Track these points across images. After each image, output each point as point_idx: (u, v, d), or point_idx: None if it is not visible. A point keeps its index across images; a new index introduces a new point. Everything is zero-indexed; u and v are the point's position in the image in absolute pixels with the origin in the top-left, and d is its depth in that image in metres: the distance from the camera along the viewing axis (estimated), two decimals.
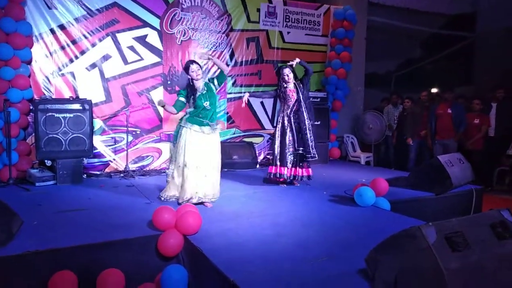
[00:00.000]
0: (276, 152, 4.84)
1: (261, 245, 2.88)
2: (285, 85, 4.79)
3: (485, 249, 2.07)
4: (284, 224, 3.41)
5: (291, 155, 4.78)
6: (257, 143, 6.79)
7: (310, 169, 4.87)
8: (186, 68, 4.04)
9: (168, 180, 4.13)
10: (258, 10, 6.55)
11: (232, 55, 6.41)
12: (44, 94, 5.07)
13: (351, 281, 2.33)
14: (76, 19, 5.21)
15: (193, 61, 4.06)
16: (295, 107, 4.78)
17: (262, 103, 6.83)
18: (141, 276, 2.86)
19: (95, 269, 2.69)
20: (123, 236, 2.96)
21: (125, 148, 5.51)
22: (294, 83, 4.81)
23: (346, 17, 7.06)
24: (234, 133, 6.62)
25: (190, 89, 4.06)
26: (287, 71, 4.75)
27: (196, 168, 3.88)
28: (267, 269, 2.46)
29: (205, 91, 4.04)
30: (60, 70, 5.21)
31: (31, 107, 4.95)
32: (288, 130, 4.76)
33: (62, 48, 5.19)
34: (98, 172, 5.44)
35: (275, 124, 4.92)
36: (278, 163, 4.80)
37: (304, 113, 4.76)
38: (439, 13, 9.50)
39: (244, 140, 6.65)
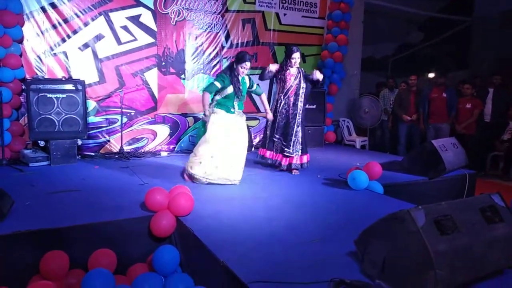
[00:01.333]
0: (265, 134, 4.86)
1: (253, 227, 2.90)
2: (288, 68, 4.60)
3: (474, 232, 2.09)
4: (276, 206, 3.43)
5: (277, 140, 4.72)
6: (253, 126, 6.76)
7: (304, 156, 4.71)
8: (241, 61, 4.10)
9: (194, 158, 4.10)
10: None
11: (227, 37, 6.32)
12: (36, 74, 5.00)
13: (341, 262, 2.35)
14: None
15: (249, 57, 4.14)
16: (290, 92, 4.62)
17: (258, 85, 6.75)
18: (133, 256, 2.89)
19: (87, 249, 2.70)
20: (116, 217, 2.97)
21: (120, 130, 5.48)
22: (298, 69, 4.66)
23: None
24: None
25: (234, 79, 4.13)
26: (298, 55, 4.56)
27: (222, 149, 4.01)
28: (258, 251, 2.48)
29: (240, 85, 4.18)
30: (52, 49, 5.12)
31: (23, 87, 4.88)
32: (278, 114, 4.68)
33: (54, 27, 5.09)
34: (92, 153, 5.42)
35: (270, 107, 4.86)
36: (266, 146, 4.80)
37: (299, 106, 4.62)
38: None
39: None
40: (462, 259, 1.99)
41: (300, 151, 4.67)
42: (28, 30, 4.94)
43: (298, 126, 4.64)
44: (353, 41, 7.40)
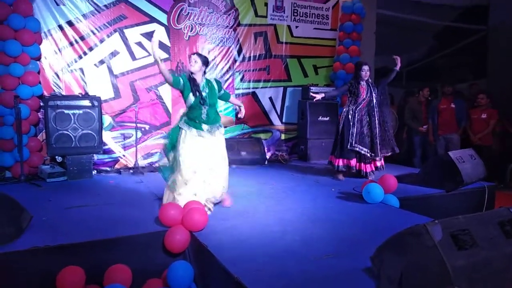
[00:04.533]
0: (339, 144, 4.95)
1: (266, 242, 2.88)
2: (360, 81, 4.87)
3: (493, 247, 2.03)
4: (290, 220, 3.40)
5: (352, 150, 4.87)
6: (266, 139, 6.77)
7: (378, 162, 4.98)
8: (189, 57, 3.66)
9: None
10: (266, 4, 6.52)
11: (240, 50, 6.39)
12: (54, 91, 5.13)
13: (357, 279, 2.31)
14: (84, 15, 5.25)
15: (196, 53, 3.69)
16: (362, 105, 4.88)
17: (270, 98, 6.81)
18: (148, 272, 2.88)
19: (102, 265, 2.71)
20: (130, 232, 2.99)
21: (134, 144, 5.55)
22: (367, 82, 4.92)
23: (354, 11, 6.96)
24: (242, 129, 6.61)
25: (191, 82, 3.60)
26: (367, 68, 4.87)
27: (195, 173, 3.57)
28: (272, 266, 2.45)
29: (206, 92, 3.63)
30: (69, 66, 5.26)
31: (41, 104, 5.01)
32: (351, 125, 4.85)
33: (71, 44, 5.24)
34: (108, 168, 5.50)
35: (341, 117, 5.01)
36: (339, 156, 4.92)
37: (376, 116, 4.90)
38: (451, 6, 9.32)
39: (253, 136, 6.64)
40: (481, 275, 1.94)
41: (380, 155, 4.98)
42: (46, 47, 5.08)
43: (380, 132, 4.94)
44: (365, 51, 7.38)
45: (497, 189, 5.02)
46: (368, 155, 4.87)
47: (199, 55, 3.65)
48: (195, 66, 3.56)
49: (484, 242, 2.03)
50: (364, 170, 4.91)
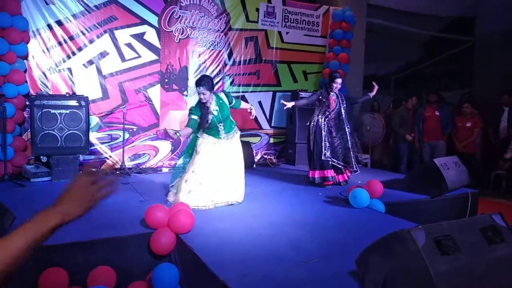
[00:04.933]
0: (315, 157, 4.91)
1: (253, 245, 2.88)
2: (330, 92, 4.95)
3: (475, 253, 2.07)
4: (277, 224, 3.41)
5: (329, 158, 4.87)
6: (254, 143, 6.79)
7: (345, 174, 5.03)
8: (196, 86, 3.81)
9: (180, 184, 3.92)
10: (257, 9, 6.55)
11: (230, 54, 6.41)
12: (41, 90, 5.07)
13: (342, 282, 2.33)
14: (74, 15, 5.21)
15: (200, 82, 3.75)
16: (331, 116, 4.95)
17: (260, 102, 6.83)
18: (132, 274, 2.86)
19: (86, 266, 2.68)
20: (115, 234, 2.96)
21: (122, 146, 5.51)
22: (337, 94, 5.01)
23: (345, 18, 7.05)
24: None
25: (203, 108, 3.84)
26: (340, 81, 4.94)
27: (210, 173, 3.84)
28: (258, 270, 2.46)
29: (216, 111, 3.86)
30: (57, 66, 5.20)
31: (27, 103, 4.94)
32: (322, 135, 4.88)
33: (60, 44, 5.18)
34: (94, 169, 5.42)
35: (311, 126, 5.00)
36: (320, 167, 4.89)
37: (346, 128, 5.00)
38: (438, 16, 9.51)
39: (241, 140, 6.61)
40: (463, 280, 1.97)
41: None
42: (34, 47, 5.02)
43: (348, 145, 5.03)
44: (354, 59, 7.48)
45: (480, 196, 5.12)
46: (341, 166, 4.94)
47: (203, 84, 3.72)
48: (205, 98, 3.77)
49: (466, 248, 2.07)
50: (338, 180, 4.97)
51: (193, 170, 3.85)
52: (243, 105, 4.39)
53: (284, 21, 6.85)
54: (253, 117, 4.39)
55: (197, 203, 3.73)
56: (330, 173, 4.89)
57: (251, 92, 6.70)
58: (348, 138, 4.99)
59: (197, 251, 2.68)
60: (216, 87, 6.25)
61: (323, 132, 4.87)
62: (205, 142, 3.92)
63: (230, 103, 4.03)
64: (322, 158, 4.83)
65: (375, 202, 4.04)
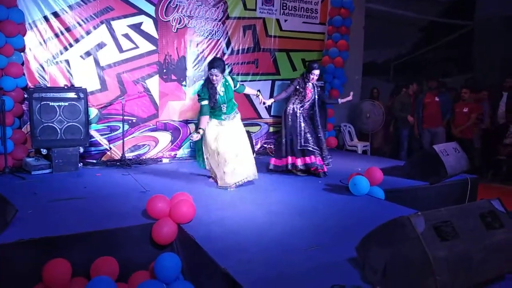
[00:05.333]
0: (284, 142, 4.92)
1: (254, 234, 2.91)
2: (307, 83, 4.93)
3: (474, 238, 2.09)
4: (277, 212, 3.43)
5: (300, 145, 4.86)
6: (254, 132, 6.79)
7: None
8: (208, 68, 4.10)
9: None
10: None
11: (228, 43, 6.36)
12: (39, 83, 5.05)
13: (342, 269, 2.35)
14: (70, 6, 5.15)
15: (214, 64, 4.02)
16: (306, 106, 4.96)
17: (259, 91, 6.77)
18: (135, 264, 2.89)
19: (89, 257, 2.71)
20: (118, 225, 2.98)
21: (121, 137, 5.51)
22: (313, 85, 5.00)
23: (343, 5, 6.99)
24: None
25: (210, 89, 4.10)
26: (318, 72, 4.91)
27: (218, 155, 4.17)
28: (259, 258, 2.48)
29: (223, 93, 4.16)
30: (54, 58, 5.17)
31: (25, 96, 4.93)
32: (298, 121, 4.89)
33: (56, 35, 5.13)
34: (94, 161, 5.45)
35: (285, 114, 5.01)
36: (289, 154, 4.89)
37: (318, 119, 5.03)
38: (437, 1, 9.42)
39: None
40: (462, 265, 1.99)
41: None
42: (31, 39, 4.98)
43: (321, 135, 5.04)
44: (354, 46, 7.43)
45: (479, 181, 5.14)
46: (316, 151, 4.85)
47: (217, 67, 4.00)
48: (217, 79, 4.06)
49: (465, 233, 2.09)
50: (316, 163, 4.84)
51: (206, 157, 4.34)
52: (248, 90, 4.66)
53: (282, 9, 6.79)
54: (262, 103, 4.74)
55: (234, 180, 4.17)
56: (299, 161, 4.87)
57: (250, 81, 6.66)
58: (320, 129, 5.03)
59: (198, 240, 2.71)
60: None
61: (299, 120, 4.90)
62: (209, 125, 4.20)
63: (234, 87, 4.31)
64: (298, 147, 4.85)
65: (375, 189, 4.07)
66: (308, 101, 4.97)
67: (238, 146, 4.23)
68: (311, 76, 4.88)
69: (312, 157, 4.83)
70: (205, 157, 4.41)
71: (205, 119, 4.16)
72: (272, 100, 5.09)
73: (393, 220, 2.13)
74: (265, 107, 6.53)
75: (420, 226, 1.99)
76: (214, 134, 4.22)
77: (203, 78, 6.12)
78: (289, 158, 4.91)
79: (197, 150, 4.60)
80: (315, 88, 5.04)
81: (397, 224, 2.09)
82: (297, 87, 4.95)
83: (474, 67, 9.77)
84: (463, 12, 9.84)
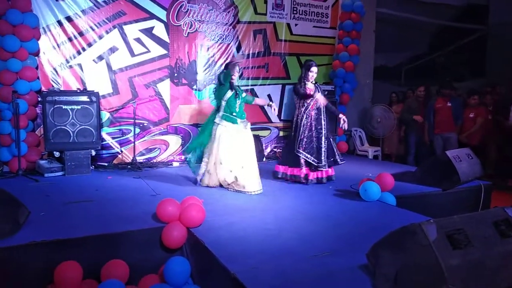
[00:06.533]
0: (289, 152, 4.76)
1: (263, 239, 2.90)
2: (306, 82, 4.66)
3: (487, 246, 2.05)
4: (287, 218, 3.42)
5: (302, 155, 4.64)
6: (264, 136, 6.78)
7: (330, 169, 4.75)
8: (232, 68, 4.34)
9: (203, 173, 4.47)
10: (265, 1, 6.50)
11: (238, 48, 6.38)
12: (52, 86, 5.12)
13: (352, 276, 2.33)
14: (83, 11, 5.23)
15: (236, 63, 4.41)
16: (311, 106, 4.67)
17: (269, 95, 6.80)
18: (145, 267, 2.90)
19: (100, 260, 2.73)
20: (128, 228, 3.00)
21: (132, 140, 5.55)
22: (314, 84, 4.73)
23: (354, 9, 6.97)
24: None
25: (231, 86, 4.36)
26: (316, 69, 4.66)
27: (230, 163, 4.23)
28: (268, 263, 2.47)
29: (236, 89, 4.42)
30: (67, 62, 5.24)
31: (39, 99, 5.00)
32: (301, 129, 4.65)
33: (70, 40, 5.22)
34: (105, 164, 5.50)
35: (293, 122, 4.87)
36: (289, 164, 4.74)
37: (322, 120, 4.70)
38: (450, 5, 9.33)
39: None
40: (475, 274, 1.96)
41: (327, 164, 4.68)
42: (45, 43, 5.07)
43: (326, 139, 4.69)
44: (365, 50, 7.40)
45: (493, 188, 5.05)
46: (314, 163, 4.62)
47: (238, 65, 4.46)
48: (237, 75, 4.47)
49: (478, 241, 2.05)
50: (310, 178, 4.66)
51: (221, 161, 4.29)
52: (259, 100, 4.93)
53: (292, 13, 6.79)
54: (274, 110, 4.93)
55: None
56: (295, 171, 4.69)
57: (260, 85, 6.68)
58: (323, 130, 4.68)
59: (208, 244, 2.71)
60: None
61: (300, 125, 4.66)
62: (226, 130, 4.30)
63: (244, 99, 4.57)
64: (294, 152, 4.63)
65: (386, 195, 4.03)
66: (313, 99, 4.63)
67: (246, 158, 4.27)
68: (310, 74, 4.61)
69: (319, 172, 4.66)
70: (204, 160, 4.44)
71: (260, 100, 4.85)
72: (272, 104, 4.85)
73: (404, 227, 2.11)
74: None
75: (432, 233, 1.97)
76: (234, 141, 4.28)
77: (214, 82, 6.16)
78: (287, 169, 4.75)
79: (192, 152, 4.55)
80: (318, 88, 4.73)
81: (409, 231, 2.07)
82: (298, 88, 4.68)
83: (486, 72, 9.64)
84: (476, 17, 9.73)
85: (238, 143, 4.27)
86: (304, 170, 4.67)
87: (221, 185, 4.41)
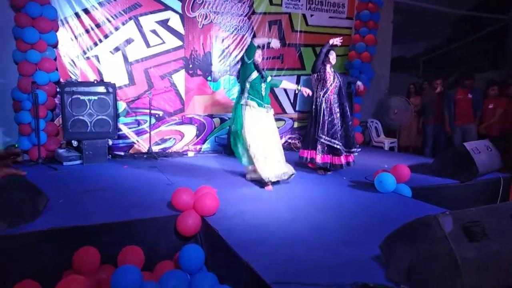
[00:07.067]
0: (308, 136, 4.70)
1: (277, 228, 2.91)
2: (326, 67, 4.62)
3: (505, 240, 2.01)
4: (301, 208, 3.42)
5: (324, 142, 4.58)
6: (279, 127, 6.75)
7: (351, 156, 4.70)
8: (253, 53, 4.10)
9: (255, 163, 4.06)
10: None
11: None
12: (70, 77, 5.21)
13: (365, 266, 2.32)
14: (100, 3, 5.29)
15: (258, 46, 4.13)
16: (330, 91, 4.59)
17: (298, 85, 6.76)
18: (160, 254, 2.95)
19: (116, 246, 2.78)
20: (144, 216, 3.05)
21: (148, 131, 5.62)
22: (332, 70, 4.69)
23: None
24: None
25: (256, 67, 4.14)
26: (335, 54, 4.67)
27: (268, 142, 4.07)
28: (281, 252, 2.49)
29: (263, 75, 4.21)
30: (85, 53, 5.32)
31: (57, 90, 5.10)
32: (322, 115, 4.57)
33: (87, 31, 5.29)
34: (122, 153, 5.59)
35: (311, 108, 4.75)
36: (310, 147, 4.67)
37: (346, 104, 4.66)
38: None
39: None
40: (491, 267, 1.92)
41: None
42: (63, 35, 5.15)
43: (350, 123, 4.69)
44: (382, 41, 7.28)
45: None
46: (341, 148, 4.56)
47: (260, 48, 4.25)
48: (260, 58, 4.24)
49: (495, 234, 2.01)
50: (333, 162, 4.62)
51: (259, 145, 4.02)
52: (287, 84, 4.61)
53: (308, 4, 6.72)
54: (306, 93, 4.43)
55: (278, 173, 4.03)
56: (318, 155, 4.62)
57: (275, 76, 6.63)
58: (348, 116, 4.65)
59: (222, 233, 2.74)
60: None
61: (319, 110, 4.59)
62: (255, 111, 4.09)
63: (271, 83, 4.36)
64: (316, 137, 4.58)
65: (401, 187, 3.99)
66: (331, 85, 4.59)
67: (278, 142, 4.21)
68: (329, 57, 4.60)
69: (336, 157, 4.61)
70: (248, 144, 4.03)
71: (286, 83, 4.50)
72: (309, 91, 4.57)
73: (419, 219, 2.08)
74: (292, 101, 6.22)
75: (448, 225, 1.94)
76: (261, 119, 4.09)
77: (228, 73, 6.16)
78: (308, 152, 4.68)
79: (233, 145, 4.28)
80: (336, 73, 4.70)
81: (424, 223, 2.04)
82: (318, 72, 4.64)
83: (507, 63, 9.37)
84: (498, 6, 9.43)
85: (269, 125, 4.16)
86: (326, 156, 4.64)
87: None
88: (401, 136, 7.46)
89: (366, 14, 6.88)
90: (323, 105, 4.59)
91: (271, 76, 4.39)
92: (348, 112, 4.68)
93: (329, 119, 4.59)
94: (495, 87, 6.42)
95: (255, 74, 4.09)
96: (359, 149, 4.77)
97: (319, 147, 4.62)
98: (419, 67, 10.52)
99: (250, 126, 4.03)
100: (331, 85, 4.62)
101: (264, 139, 4.05)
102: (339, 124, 4.62)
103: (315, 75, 4.70)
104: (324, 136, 4.57)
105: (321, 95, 4.62)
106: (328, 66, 4.63)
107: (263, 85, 4.17)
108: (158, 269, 2.79)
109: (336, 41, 4.56)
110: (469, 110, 6.29)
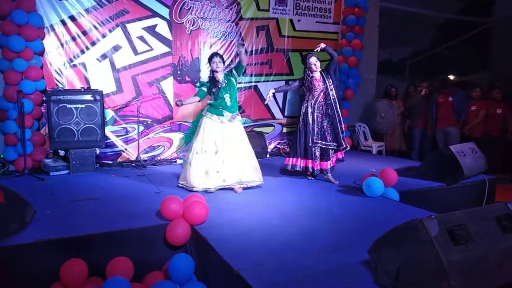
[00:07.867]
0: (296, 144, 4.68)
1: (266, 236, 2.91)
2: (311, 75, 4.58)
3: (489, 242, 2.05)
4: (290, 214, 3.43)
5: (314, 148, 4.59)
6: (268, 133, 6.79)
7: (333, 159, 4.69)
8: (209, 59, 4.23)
9: (185, 167, 4.26)
10: None
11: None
12: (57, 85, 5.16)
13: (355, 271, 2.34)
14: (87, 10, 5.25)
15: (216, 53, 4.25)
16: (320, 97, 4.59)
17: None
18: (149, 264, 2.93)
19: (105, 257, 2.76)
20: (132, 225, 3.03)
21: (137, 138, 5.59)
22: (321, 73, 4.63)
23: (357, 4, 6.93)
24: (244, 123, 6.59)
25: (212, 81, 4.25)
26: (314, 59, 4.57)
27: (215, 154, 4.11)
28: (271, 259, 2.49)
29: (225, 84, 4.20)
30: (71, 61, 5.27)
31: (44, 98, 5.04)
32: (310, 122, 4.58)
33: (73, 39, 5.24)
34: (110, 162, 5.54)
35: (300, 114, 4.75)
36: (298, 155, 4.66)
37: (334, 105, 4.58)
38: None
39: (254, 130, 6.65)
40: (477, 270, 1.96)
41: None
42: (49, 42, 5.09)
43: (340, 124, 4.63)
44: (368, 45, 7.36)
45: (498, 182, 5.03)
46: (333, 147, 4.59)
47: (220, 56, 4.24)
48: (219, 68, 4.19)
49: (480, 237, 2.05)
50: (322, 168, 4.63)
51: (196, 151, 4.14)
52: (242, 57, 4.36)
53: (295, 9, 6.77)
54: (269, 98, 4.59)
55: (207, 185, 4.07)
56: (312, 164, 4.62)
57: (263, 81, 6.68)
58: (336, 116, 4.58)
59: (211, 241, 2.73)
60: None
61: (310, 118, 4.58)
62: (210, 121, 4.18)
63: (239, 73, 4.31)
64: (310, 144, 4.57)
65: (389, 191, 4.03)
66: (322, 91, 4.56)
67: (240, 149, 4.18)
68: (309, 66, 4.55)
69: (324, 162, 4.60)
70: (193, 152, 4.15)
71: (193, 99, 4.40)
72: (272, 91, 4.64)
73: (406, 223, 2.11)
74: (266, 103, 6.28)
75: (434, 229, 1.97)
76: (216, 132, 4.14)
77: None
78: (299, 160, 4.67)
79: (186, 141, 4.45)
80: (324, 76, 4.60)
81: (410, 227, 2.07)
82: (304, 82, 4.64)
83: (491, 66, 9.56)
84: (481, 9, 9.64)
85: (223, 134, 4.15)
86: (317, 162, 4.62)
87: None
88: (387, 140, 7.54)
89: (352, 19, 6.96)
90: (316, 112, 4.59)
91: (235, 69, 4.28)
92: (338, 113, 4.61)
93: (320, 125, 4.61)
94: (478, 89, 6.58)
95: (212, 96, 4.26)
96: (347, 147, 4.75)
97: (311, 153, 4.60)
98: (405, 71, 10.66)
99: (199, 138, 4.17)
100: (321, 91, 4.59)
101: (209, 154, 4.11)
102: (328, 125, 4.62)
103: (299, 83, 4.71)
104: (318, 141, 4.59)
105: (313, 103, 4.60)
106: (316, 73, 4.59)
107: (226, 97, 4.18)
108: (148, 280, 2.78)
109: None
110: (449, 113, 6.45)
